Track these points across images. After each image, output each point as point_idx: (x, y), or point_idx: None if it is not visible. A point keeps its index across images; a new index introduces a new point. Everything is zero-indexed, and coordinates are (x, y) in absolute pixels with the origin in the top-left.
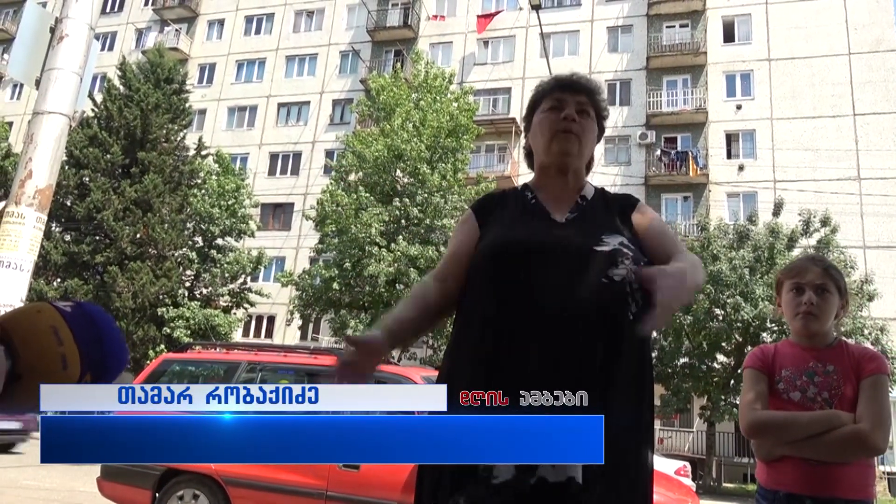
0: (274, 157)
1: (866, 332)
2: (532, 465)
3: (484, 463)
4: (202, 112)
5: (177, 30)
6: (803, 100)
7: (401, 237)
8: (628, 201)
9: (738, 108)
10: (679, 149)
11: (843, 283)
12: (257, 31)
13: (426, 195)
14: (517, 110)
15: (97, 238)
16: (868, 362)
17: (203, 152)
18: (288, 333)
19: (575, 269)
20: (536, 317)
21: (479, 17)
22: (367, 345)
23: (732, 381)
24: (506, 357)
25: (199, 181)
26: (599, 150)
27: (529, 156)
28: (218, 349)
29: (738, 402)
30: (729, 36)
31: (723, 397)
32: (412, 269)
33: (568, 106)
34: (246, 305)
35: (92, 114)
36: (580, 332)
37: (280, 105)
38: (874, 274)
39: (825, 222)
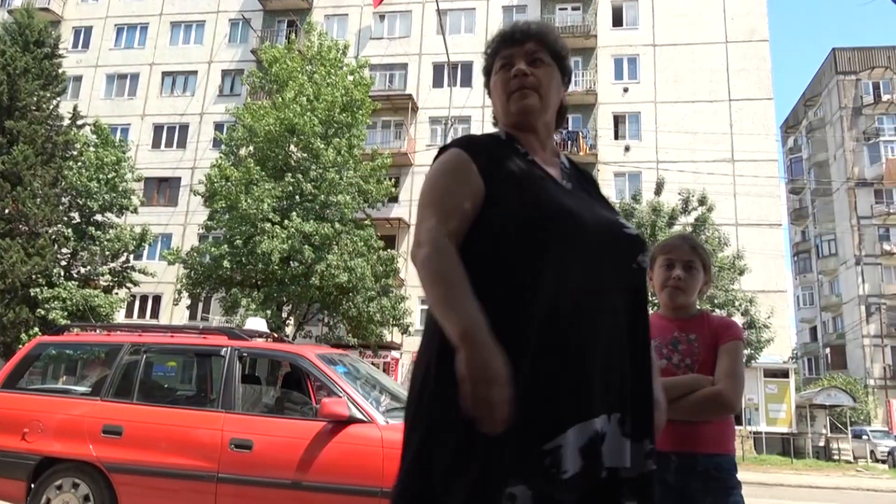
0: (158, 128)
1: (737, 303)
2: (598, 455)
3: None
4: (77, 79)
5: None
6: (684, 85)
7: (295, 213)
8: (594, 178)
9: (625, 90)
10: (570, 129)
11: (709, 262)
12: None
13: (320, 171)
14: (413, 86)
15: None
16: (725, 330)
17: (79, 122)
18: (176, 313)
19: (611, 251)
20: (583, 300)
21: None
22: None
23: None
24: (569, 354)
25: (75, 153)
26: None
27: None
28: (98, 331)
29: None
30: (617, 20)
31: None
32: (307, 245)
33: (518, 60)
34: (129, 285)
35: None
36: (617, 320)
37: (165, 74)
38: (745, 250)
39: (702, 201)
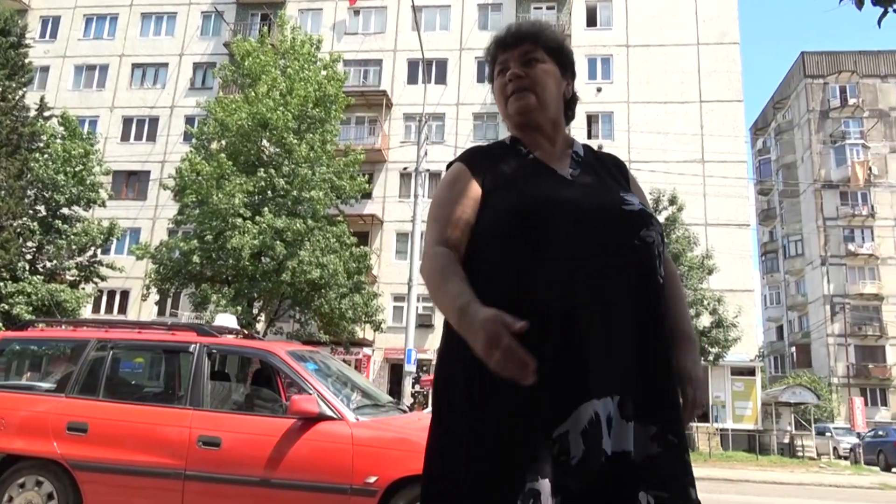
0: (128, 121)
1: (706, 302)
2: (599, 439)
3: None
4: (45, 69)
5: None
6: (656, 85)
7: (266, 209)
8: (621, 164)
9: (599, 90)
10: None
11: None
12: None
13: (293, 166)
14: (388, 82)
15: None
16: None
17: (46, 113)
18: (144, 309)
19: (606, 229)
20: (573, 287)
21: None
22: (505, 315)
23: None
24: (552, 327)
25: (42, 145)
26: (468, 127)
27: None
28: (64, 326)
29: None
30: (591, 20)
31: None
32: (278, 241)
33: (512, 63)
34: (96, 280)
35: None
36: (619, 299)
37: (135, 66)
38: (714, 249)
39: (673, 201)
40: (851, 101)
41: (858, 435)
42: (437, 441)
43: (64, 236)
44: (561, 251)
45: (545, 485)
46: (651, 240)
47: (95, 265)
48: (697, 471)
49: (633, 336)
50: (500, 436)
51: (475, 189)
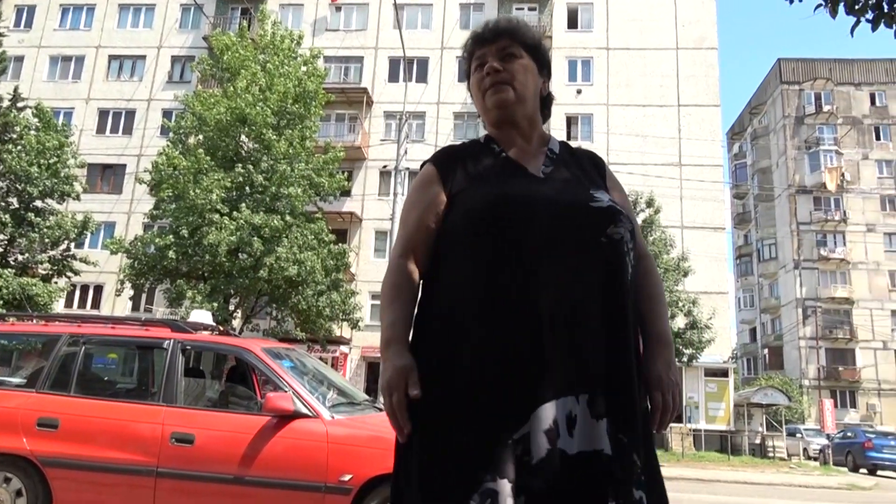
0: (104, 113)
1: (681, 304)
2: (556, 436)
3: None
4: (19, 59)
5: None
6: (635, 89)
7: (244, 205)
8: (598, 160)
9: (579, 92)
10: None
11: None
12: None
13: (272, 162)
14: (369, 80)
15: None
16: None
17: (20, 104)
18: (118, 304)
19: (573, 227)
20: (538, 285)
21: None
22: (414, 374)
23: None
24: (509, 327)
25: (15, 136)
26: (448, 126)
27: None
28: (35, 321)
29: None
30: (572, 22)
31: None
32: (256, 238)
33: (489, 58)
34: (69, 274)
35: None
36: (586, 297)
37: (112, 57)
38: (689, 252)
39: (650, 203)
40: (826, 108)
41: (828, 436)
42: (398, 442)
43: (37, 229)
44: (526, 249)
45: (503, 485)
46: (619, 237)
47: (68, 259)
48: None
49: (603, 334)
50: (454, 438)
51: (439, 191)
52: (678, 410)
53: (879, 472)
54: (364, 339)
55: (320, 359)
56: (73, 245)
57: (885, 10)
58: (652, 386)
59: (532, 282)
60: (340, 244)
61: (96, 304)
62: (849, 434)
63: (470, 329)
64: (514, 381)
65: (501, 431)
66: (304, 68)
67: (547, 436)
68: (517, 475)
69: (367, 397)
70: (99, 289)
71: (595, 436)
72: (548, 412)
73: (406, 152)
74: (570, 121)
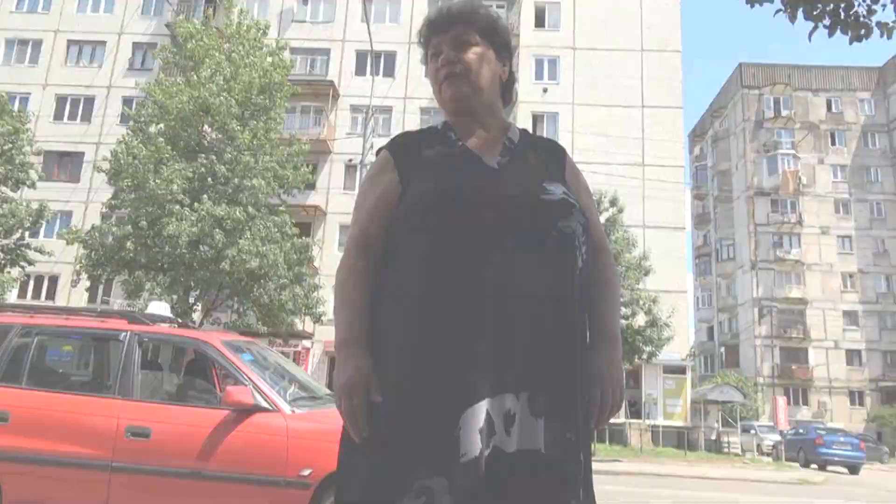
0: (62, 99)
1: (641, 302)
2: (491, 434)
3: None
4: None
5: None
6: (601, 89)
7: (206, 196)
8: (557, 149)
9: (545, 91)
10: None
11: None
12: None
13: (235, 153)
14: (335, 73)
15: None
16: None
17: None
18: (74, 295)
19: (521, 220)
20: (482, 281)
21: None
22: (374, 377)
23: None
24: (451, 328)
25: None
26: (415, 121)
27: None
28: None
29: None
30: (540, 21)
31: None
32: (217, 229)
33: (445, 47)
34: (23, 264)
35: None
36: (531, 292)
37: (70, 42)
38: (651, 251)
39: (613, 203)
40: (784, 113)
41: (781, 433)
42: (342, 438)
43: None
44: (472, 242)
45: (440, 482)
46: (570, 231)
47: (22, 248)
48: (629, 466)
49: (547, 331)
50: (393, 434)
51: (393, 179)
52: (619, 407)
53: (829, 468)
54: (327, 333)
55: (282, 353)
56: (27, 234)
57: (842, 17)
58: (592, 382)
59: (476, 277)
60: (304, 237)
61: (51, 295)
62: (801, 431)
63: (410, 325)
64: (452, 379)
65: (439, 428)
66: (269, 59)
67: (481, 435)
68: (452, 473)
69: (328, 392)
70: (54, 279)
71: (533, 434)
72: (482, 410)
73: (372, 146)
74: (537, 119)
